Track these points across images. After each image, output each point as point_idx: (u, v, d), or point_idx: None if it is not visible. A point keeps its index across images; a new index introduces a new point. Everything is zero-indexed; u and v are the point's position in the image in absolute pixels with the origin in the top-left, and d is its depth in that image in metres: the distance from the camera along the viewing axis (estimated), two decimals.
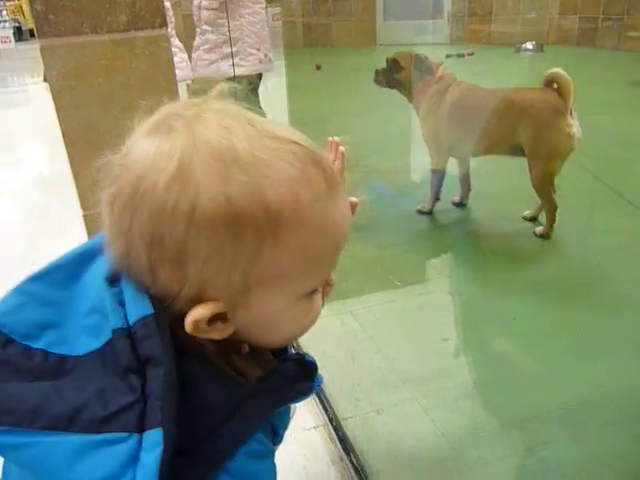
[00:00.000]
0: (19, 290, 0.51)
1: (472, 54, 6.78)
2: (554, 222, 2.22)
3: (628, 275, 2.00)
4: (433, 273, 2.08)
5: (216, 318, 0.47)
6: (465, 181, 2.51)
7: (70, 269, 0.52)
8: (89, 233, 1.61)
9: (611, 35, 6.54)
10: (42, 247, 2.77)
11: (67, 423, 0.43)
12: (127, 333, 0.47)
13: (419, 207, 2.48)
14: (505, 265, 2.07)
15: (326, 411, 1.41)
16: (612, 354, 1.62)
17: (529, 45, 6.81)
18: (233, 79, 2.75)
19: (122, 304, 0.48)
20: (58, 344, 0.48)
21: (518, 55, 6.79)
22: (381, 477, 1.25)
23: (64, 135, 1.47)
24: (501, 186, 2.68)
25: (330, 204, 0.48)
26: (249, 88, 2.92)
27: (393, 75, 2.36)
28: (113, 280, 0.49)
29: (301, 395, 0.55)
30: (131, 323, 0.47)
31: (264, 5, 2.93)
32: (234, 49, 2.77)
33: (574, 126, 2.08)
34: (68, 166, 1.52)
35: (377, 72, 2.44)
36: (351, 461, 1.29)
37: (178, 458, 0.44)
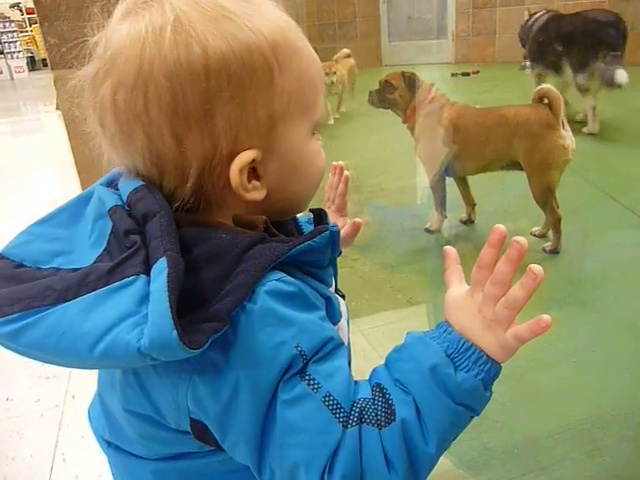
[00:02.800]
0: (26, 232, 0.53)
1: (477, 72, 6.82)
2: (561, 235, 2.23)
3: None
4: (442, 292, 2.08)
5: (252, 175, 0.50)
6: (468, 198, 2.52)
7: (72, 210, 0.54)
8: None
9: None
10: None
11: (76, 290, 0.44)
12: (122, 206, 0.49)
13: (427, 226, 2.49)
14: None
15: None
16: (626, 370, 1.61)
17: None
18: None
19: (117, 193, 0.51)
20: (69, 264, 0.48)
21: (523, 72, 6.83)
22: None
23: (76, 163, 1.51)
24: (509, 202, 2.68)
25: (301, 34, 0.54)
26: None
27: (386, 95, 2.40)
28: (109, 186, 0.53)
29: (318, 235, 0.51)
30: (124, 198, 0.50)
31: None
32: None
33: (567, 138, 2.12)
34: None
35: (370, 93, 2.49)
36: None
37: (194, 301, 0.44)
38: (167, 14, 0.47)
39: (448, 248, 0.57)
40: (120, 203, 0.50)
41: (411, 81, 2.33)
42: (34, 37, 17.43)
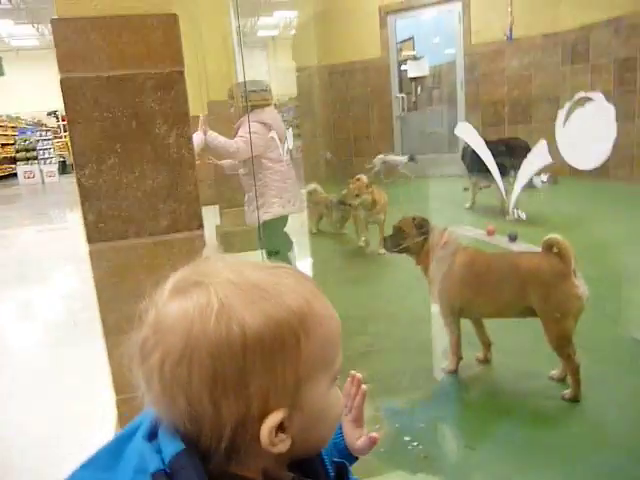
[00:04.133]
0: (70, 478, 0.57)
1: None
2: (579, 383, 2.19)
3: None
4: (460, 446, 2.04)
5: (279, 429, 0.55)
6: (483, 338, 2.53)
7: (112, 451, 0.59)
8: (120, 416, 1.66)
9: (624, 167, 6.75)
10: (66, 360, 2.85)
11: None
12: (164, 472, 0.53)
13: (443, 367, 2.49)
14: (533, 433, 2.01)
15: None
16: None
17: (543, 177, 7.05)
18: (261, 226, 3.39)
19: (159, 452, 0.55)
20: None
21: (533, 187, 7.01)
22: None
23: (104, 326, 1.58)
24: (526, 340, 2.67)
25: (323, 298, 0.62)
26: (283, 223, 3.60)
27: (399, 241, 2.51)
28: (151, 438, 0.57)
29: None
30: (166, 462, 0.53)
31: (284, 163, 3.52)
32: (261, 201, 3.42)
33: (580, 286, 2.14)
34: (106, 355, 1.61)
35: (385, 239, 2.62)
36: None
37: None
38: (212, 298, 0.55)
39: None
40: (162, 467, 0.54)
41: (422, 226, 2.43)
42: (67, 143, 18.54)
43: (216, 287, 0.56)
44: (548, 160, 1.70)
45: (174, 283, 0.59)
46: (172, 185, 1.51)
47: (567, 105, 1.33)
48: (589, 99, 1.31)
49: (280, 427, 0.56)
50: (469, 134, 2.00)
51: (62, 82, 1.39)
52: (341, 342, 0.63)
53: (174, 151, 1.50)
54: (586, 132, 1.34)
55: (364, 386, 0.91)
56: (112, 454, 0.59)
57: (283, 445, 0.56)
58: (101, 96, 1.42)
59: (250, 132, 3.23)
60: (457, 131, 2.13)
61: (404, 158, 6.89)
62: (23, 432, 2.30)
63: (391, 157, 6.87)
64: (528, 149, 5.08)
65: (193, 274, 0.59)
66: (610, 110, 1.31)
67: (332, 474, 0.71)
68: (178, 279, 0.59)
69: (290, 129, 3.74)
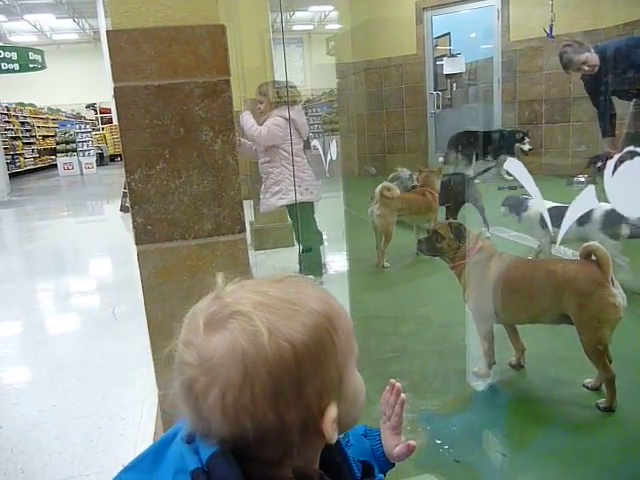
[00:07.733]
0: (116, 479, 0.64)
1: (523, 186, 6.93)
2: (615, 392, 2.17)
3: None
4: (491, 451, 2.04)
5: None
6: (517, 343, 2.51)
7: (154, 455, 0.65)
8: (163, 412, 1.73)
9: None
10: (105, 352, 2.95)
11: None
12: (202, 470, 0.58)
13: (475, 369, 2.49)
14: (566, 441, 2.00)
15: None
16: None
17: (581, 178, 6.95)
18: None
19: (197, 452, 0.60)
20: None
21: (570, 187, 6.90)
22: None
23: (149, 323, 1.64)
24: (560, 345, 2.65)
25: (330, 294, 0.68)
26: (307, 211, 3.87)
27: (434, 244, 2.51)
28: (189, 441, 0.62)
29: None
30: (204, 461, 0.59)
31: (303, 156, 3.86)
32: (278, 188, 3.75)
33: (618, 295, 2.10)
34: (150, 352, 1.67)
35: (420, 241, 2.62)
36: None
37: None
38: (256, 323, 0.58)
39: None
40: (200, 466, 0.59)
41: (458, 231, 2.44)
42: (104, 135, 18.95)
43: (253, 313, 0.59)
44: (595, 205, 1.68)
45: (206, 319, 0.60)
46: (217, 190, 1.56)
47: (616, 156, 1.34)
48: (637, 153, 1.32)
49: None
50: (519, 170, 2.04)
51: (116, 91, 1.45)
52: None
53: (219, 157, 1.55)
54: (633, 184, 1.35)
55: (403, 395, 0.95)
56: (154, 457, 0.65)
57: (336, 433, 0.62)
58: (151, 104, 1.48)
59: (290, 123, 3.65)
60: (506, 166, 2.17)
61: None
62: (63, 421, 2.40)
63: None
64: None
65: (221, 307, 0.60)
66: None
67: (358, 475, 0.76)
68: (209, 314, 0.60)
69: (334, 140, 3.94)
